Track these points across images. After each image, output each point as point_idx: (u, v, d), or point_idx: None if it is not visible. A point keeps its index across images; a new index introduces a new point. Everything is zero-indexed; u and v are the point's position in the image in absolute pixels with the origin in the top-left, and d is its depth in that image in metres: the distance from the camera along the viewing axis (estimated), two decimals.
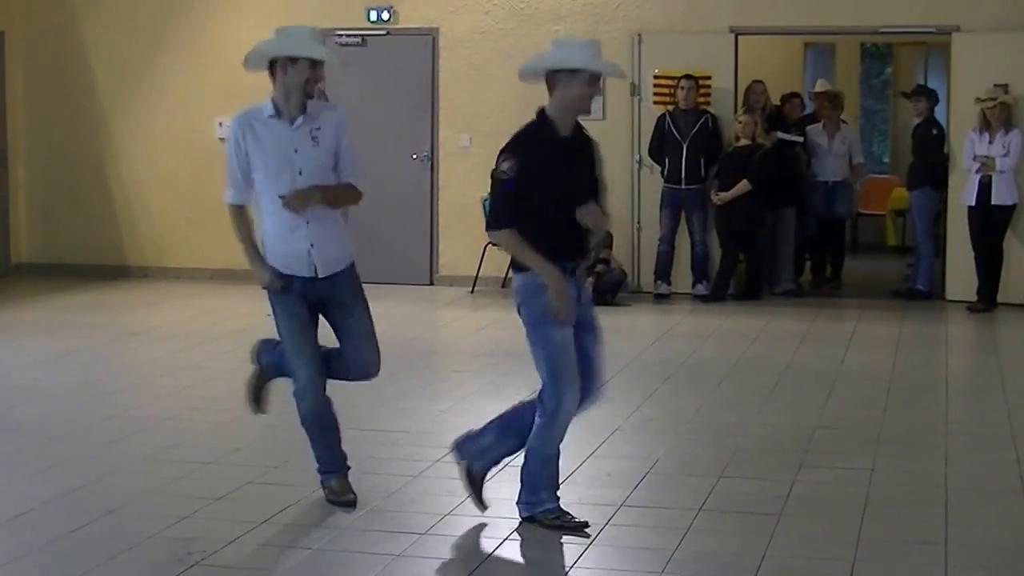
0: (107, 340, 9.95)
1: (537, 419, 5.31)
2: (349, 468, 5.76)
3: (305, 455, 5.81)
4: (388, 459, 6.41)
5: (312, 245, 5.51)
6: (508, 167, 5.16)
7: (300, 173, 5.46)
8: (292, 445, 6.61)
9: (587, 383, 5.32)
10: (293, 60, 5.41)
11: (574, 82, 5.18)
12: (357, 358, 5.69)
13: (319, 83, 5.53)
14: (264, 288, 5.62)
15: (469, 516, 5.55)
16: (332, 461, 5.71)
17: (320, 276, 5.55)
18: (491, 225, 5.29)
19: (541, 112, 5.26)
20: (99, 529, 5.34)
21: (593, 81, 5.19)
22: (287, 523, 5.45)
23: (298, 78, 5.42)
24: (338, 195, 5.59)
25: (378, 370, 5.80)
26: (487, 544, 5.18)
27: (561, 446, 5.42)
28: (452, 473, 6.19)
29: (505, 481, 6.08)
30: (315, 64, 5.44)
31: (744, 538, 5.29)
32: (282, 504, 5.63)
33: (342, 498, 5.64)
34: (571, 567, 4.96)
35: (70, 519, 5.43)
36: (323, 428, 5.66)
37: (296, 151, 5.46)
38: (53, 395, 7.96)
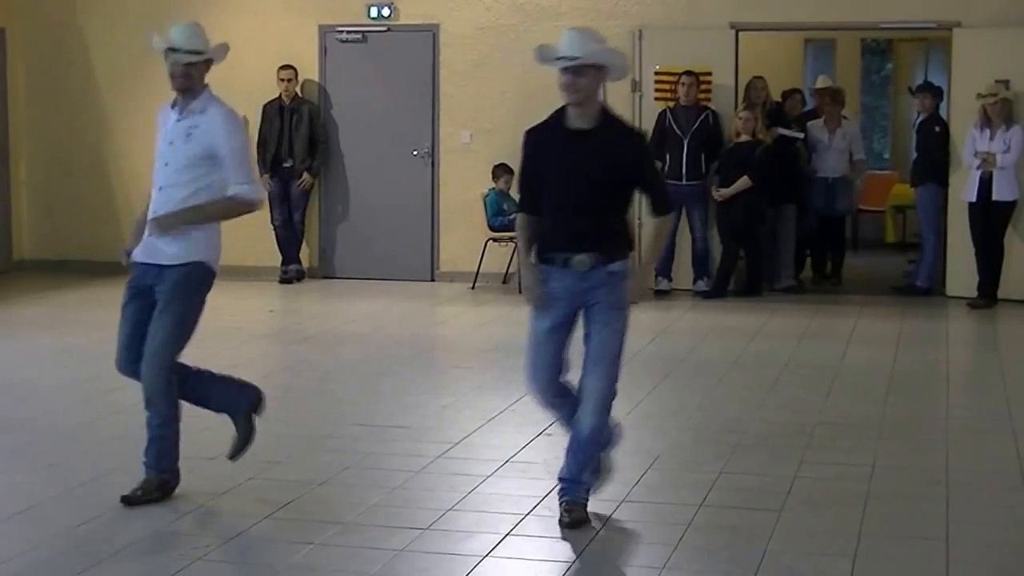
0: (108, 337, 9.86)
1: None
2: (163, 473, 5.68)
3: (307, 452, 5.81)
4: (389, 455, 6.42)
5: (150, 233, 5.58)
6: (521, 154, 5.32)
7: (166, 164, 5.54)
8: (293, 441, 6.63)
9: (583, 378, 5.28)
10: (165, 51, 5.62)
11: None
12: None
13: (180, 78, 5.58)
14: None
15: (471, 512, 5.56)
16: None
17: (140, 260, 5.60)
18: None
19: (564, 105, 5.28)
20: (101, 525, 5.35)
21: (565, 71, 5.15)
22: (288, 519, 5.46)
23: (170, 69, 5.59)
24: (208, 214, 5.56)
25: (148, 388, 5.64)
26: (489, 540, 5.19)
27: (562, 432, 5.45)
28: (453, 469, 6.21)
29: (505, 476, 6.10)
30: (191, 57, 5.59)
31: (745, 534, 5.30)
32: (283, 500, 5.64)
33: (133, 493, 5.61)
34: (572, 562, 4.97)
35: (72, 516, 5.44)
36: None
37: (171, 143, 5.55)
38: (54, 392, 7.97)
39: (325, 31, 12.67)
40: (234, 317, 10.53)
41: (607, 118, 5.25)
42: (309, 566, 4.94)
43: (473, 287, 12.39)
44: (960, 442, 6.81)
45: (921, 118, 12.16)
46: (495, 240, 12.31)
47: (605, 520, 5.43)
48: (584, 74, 5.13)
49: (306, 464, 5.94)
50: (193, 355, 9.07)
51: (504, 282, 12.55)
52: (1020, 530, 5.42)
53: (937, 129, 11.89)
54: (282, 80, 12.32)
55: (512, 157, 12.36)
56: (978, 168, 11.29)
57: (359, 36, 12.73)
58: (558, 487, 5.41)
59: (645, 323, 10.78)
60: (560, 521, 5.32)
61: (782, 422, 7.23)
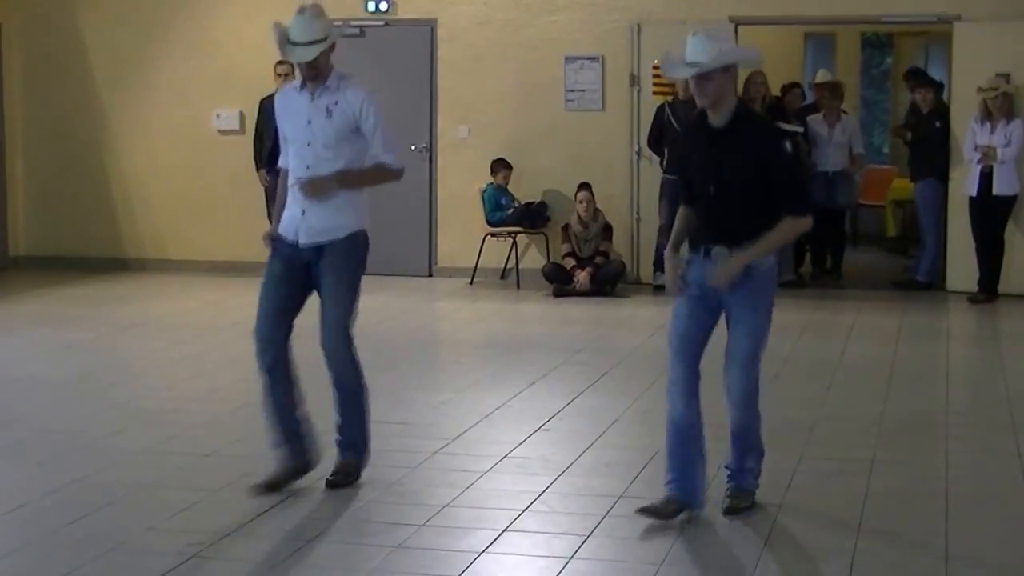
0: (106, 332, 9.94)
1: None
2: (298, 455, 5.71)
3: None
4: (387, 450, 6.38)
5: (303, 212, 5.62)
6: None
7: (308, 144, 5.61)
8: None
9: (725, 370, 5.37)
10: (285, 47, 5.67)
11: None
12: (321, 333, 5.68)
13: (307, 69, 5.62)
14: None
15: (468, 508, 5.54)
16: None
17: (300, 243, 5.61)
18: None
19: None
20: (98, 521, 5.33)
21: (693, 76, 5.18)
22: (286, 514, 5.43)
23: (314, 67, 5.64)
24: (360, 178, 5.69)
25: (333, 361, 5.67)
26: (486, 535, 5.17)
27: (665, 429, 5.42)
28: (451, 464, 6.19)
29: (503, 472, 6.07)
30: (310, 50, 5.61)
31: (744, 529, 5.27)
32: (281, 495, 5.61)
33: (333, 477, 5.70)
34: (570, 558, 4.95)
35: (69, 511, 5.42)
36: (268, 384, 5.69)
37: (309, 122, 5.61)
38: (51, 388, 7.94)
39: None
40: (232, 312, 10.51)
41: (742, 116, 5.29)
42: (305, 562, 4.92)
43: (471, 282, 12.36)
44: (960, 437, 6.79)
45: (924, 110, 12.07)
46: (493, 235, 12.28)
47: (603, 515, 5.40)
48: (711, 79, 5.15)
49: None
50: (193, 350, 9.10)
51: (502, 277, 12.52)
52: (1020, 526, 5.40)
53: (937, 124, 11.86)
54: (279, 75, 12.26)
55: (510, 151, 12.39)
56: (978, 162, 11.26)
57: (356, 30, 12.69)
58: (725, 474, 5.52)
59: (643, 318, 10.77)
60: (723, 509, 5.38)
61: (782, 417, 7.20)
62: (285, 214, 5.71)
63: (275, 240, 5.71)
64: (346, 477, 5.73)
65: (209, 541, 5.06)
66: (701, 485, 5.37)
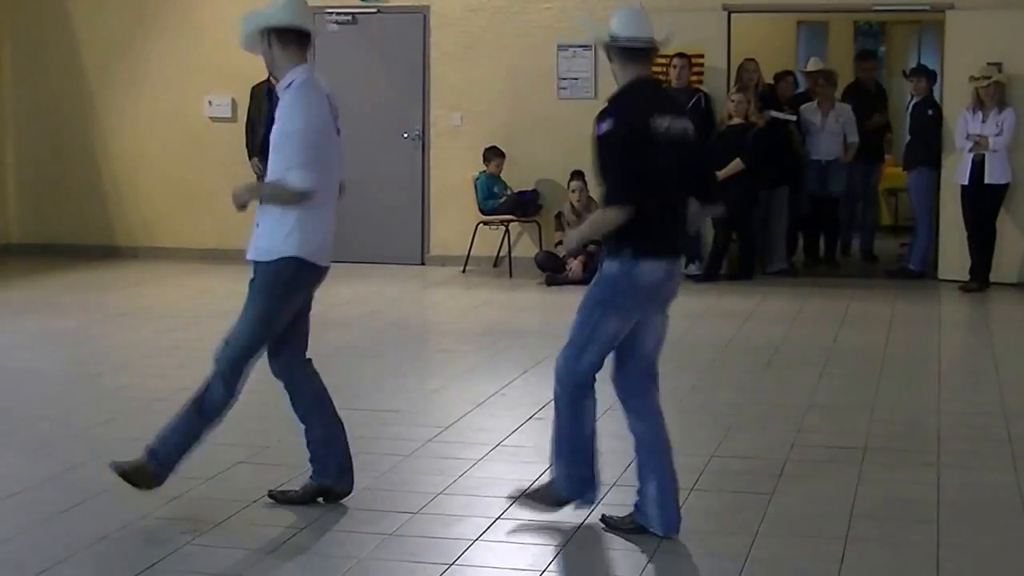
0: (97, 320, 9.92)
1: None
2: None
3: (296, 436, 5.78)
4: (379, 438, 6.38)
5: (257, 224, 5.27)
6: None
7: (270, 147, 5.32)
8: (284, 425, 6.59)
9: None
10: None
11: None
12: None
13: (266, 58, 5.31)
14: None
15: (460, 495, 5.54)
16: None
17: (248, 257, 5.29)
18: None
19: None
20: (90, 509, 5.32)
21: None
22: (276, 503, 5.42)
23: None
24: (260, 192, 5.29)
25: (214, 368, 5.33)
26: (479, 523, 5.17)
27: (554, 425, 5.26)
28: (444, 453, 6.19)
29: (495, 460, 6.07)
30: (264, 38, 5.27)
31: (737, 517, 5.28)
32: (273, 483, 5.59)
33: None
34: (564, 546, 4.95)
35: (61, 499, 5.41)
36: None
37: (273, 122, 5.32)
38: (43, 376, 7.92)
39: (315, 13, 12.55)
40: (225, 300, 10.48)
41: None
42: (299, 549, 4.92)
43: (464, 271, 12.35)
44: (951, 424, 6.80)
45: (914, 101, 12.14)
46: (486, 223, 12.27)
47: (596, 503, 5.40)
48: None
49: (295, 448, 5.89)
50: (184, 338, 9.08)
51: (495, 266, 12.51)
52: (1011, 511, 5.41)
53: (930, 112, 11.87)
54: None
55: (503, 139, 12.38)
56: (970, 151, 11.27)
57: (349, 18, 12.66)
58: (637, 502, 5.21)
59: None
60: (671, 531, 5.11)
61: (774, 405, 7.22)
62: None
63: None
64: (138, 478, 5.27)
65: (202, 529, 5.05)
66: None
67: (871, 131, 12.73)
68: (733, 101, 11.67)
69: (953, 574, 4.71)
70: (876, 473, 5.90)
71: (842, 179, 12.68)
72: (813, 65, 13.27)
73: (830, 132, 12.44)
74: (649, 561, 4.80)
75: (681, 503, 5.37)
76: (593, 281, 5.12)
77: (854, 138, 12.62)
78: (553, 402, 5.18)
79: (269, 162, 5.23)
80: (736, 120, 11.68)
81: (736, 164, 11.56)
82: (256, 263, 5.23)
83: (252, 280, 5.27)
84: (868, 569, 4.79)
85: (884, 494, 5.62)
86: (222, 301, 10.47)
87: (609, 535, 5.09)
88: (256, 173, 12.09)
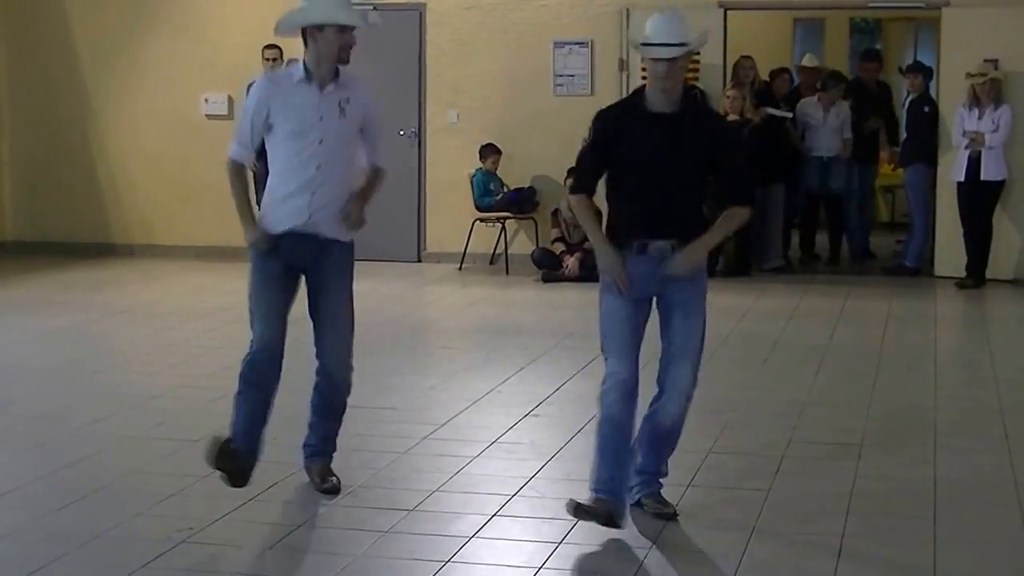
0: (93, 318, 9.91)
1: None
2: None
3: (293, 434, 5.78)
4: (376, 436, 6.38)
5: (309, 216, 5.36)
6: (591, 136, 5.23)
7: (320, 142, 5.33)
8: (280, 423, 6.58)
9: (669, 367, 5.10)
10: (320, 28, 5.28)
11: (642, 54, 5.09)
12: (322, 346, 5.46)
13: (350, 49, 5.36)
14: (250, 245, 5.44)
15: (457, 493, 5.53)
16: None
17: (320, 235, 5.34)
18: None
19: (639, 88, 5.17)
20: (86, 507, 5.31)
21: (660, 60, 4.97)
22: (274, 500, 5.43)
23: (327, 47, 5.30)
24: (371, 192, 5.58)
25: (344, 370, 5.47)
26: (476, 520, 5.17)
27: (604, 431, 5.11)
28: (440, 450, 6.18)
29: (492, 457, 6.07)
30: (344, 30, 5.29)
31: (733, 514, 5.28)
32: (269, 481, 5.60)
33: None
34: (560, 542, 4.95)
35: (57, 497, 5.40)
36: (259, 388, 5.46)
37: (321, 119, 5.32)
38: (39, 374, 7.91)
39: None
40: (222, 298, 10.48)
41: (691, 101, 5.11)
42: (295, 547, 4.92)
43: (460, 268, 12.34)
44: (948, 422, 6.80)
45: (911, 98, 12.15)
46: (482, 220, 12.27)
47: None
48: (678, 62, 4.96)
49: (292, 446, 5.90)
50: (180, 336, 9.07)
51: (491, 263, 12.51)
52: (1007, 506, 5.41)
53: (926, 109, 11.88)
54: (267, 59, 12.20)
55: (499, 136, 12.37)
56: (966, 148, 11.27)
57: None
58: (636, 481, 5.21)
59: None
60: (659, 514, 5.15)
61: (771, 402, 7.22)
62: (277, 211, 5.39)
63: (273, 241, 5.37)
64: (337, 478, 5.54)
65: (197, 528, 5.05)
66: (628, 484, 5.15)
67: (866, 132, 12.70)
68: (728, 97, 11.66)
69: (950, 567, 4.71)
70: (873, 469, 5.90)
71: (843, 176, 12.69)
72: (807, 61, 13.28)
73: (831, 128, 12.43)
74: (645, 557, 4.80)
75: (677, 500, 5.39)
76: (698, 282, 5.14)
77: (848, 135, 12.60)
78: (676, 432, 5.21)
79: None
80: (732, 117, 11.66)
81: None
82: (333, 242, 5.43)
83: (326, 262, 5.42)
84: (865, 563, 4.79)
85: (881, 489, 5.62)
86: (219, 299, 10.48)
87: (605, 532, 5.08)
88: (253, 170, 12.05)
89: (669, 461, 5.30)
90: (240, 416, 5.46)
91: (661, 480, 5.28)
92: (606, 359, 5.10)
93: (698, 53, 11.80)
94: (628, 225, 5.06)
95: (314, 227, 5.37)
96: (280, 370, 5.45)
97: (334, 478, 5.54)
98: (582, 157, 5.30)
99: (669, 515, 5.18)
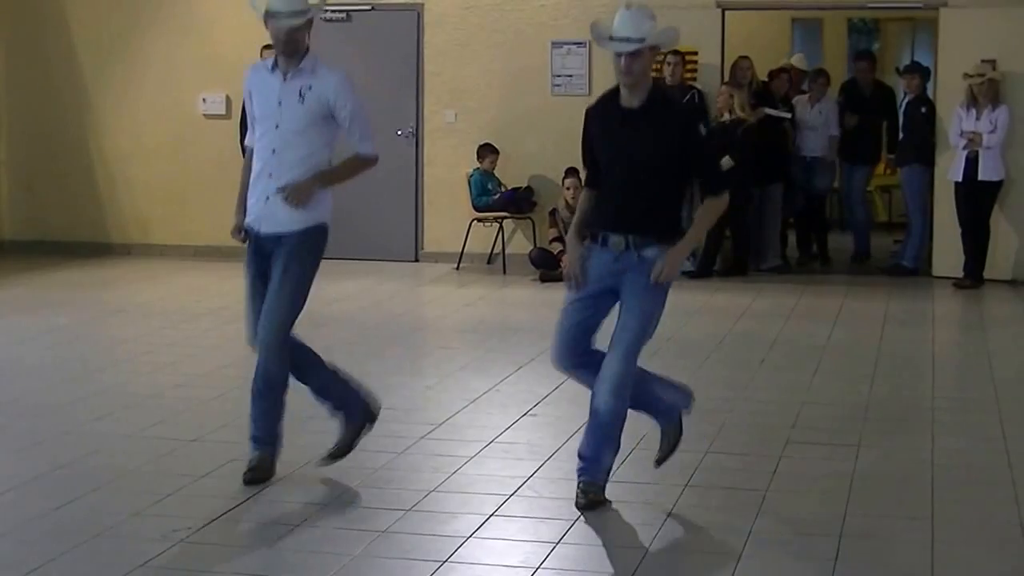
0: (90, 317, 9.90)
1: None
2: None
3: (291, 433, 5.78)
4: (373, 435, 6.35)
5: (267, 198, 5.49)
6: (583, 132, 5.38)
7: (276, 127, 5.47)
8: None
9: (607, 355, 5.20)
10: (265, 16, 5.51)
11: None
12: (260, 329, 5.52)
13: (284, 43, 5.49)
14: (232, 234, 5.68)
15: (454, 493, 5.53)
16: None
17: (261, 232, 5.50)
18: None
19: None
20: (83, 507, 5.31)
21: (620, 54, 5.09)
22: (271, 500, 5.42)
23: (274, 33, 5.49)
24: (339, 175, 5.60)
25: (264, 351, 5.49)
26: (473, 520, 5.16)
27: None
28: (437, 449, 6.18)
29: (489, 457, 6.07)
30: (272, 17, 5.45)
31: (730, 514, 5.28)
32: (265, 481, 5.59)
33: (249, 473, 5.55)
34: (557, 542, 4.95)
35: (54, 497, 5.40)
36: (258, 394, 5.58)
37: (279, 104, 5.48)
38: (36, 372, 7.91)
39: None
40: (219, 297, 10.48)
41: (658, 97, 5.19)
42: (292, 547, 4.91)
43: (458, 267, 12.34)
44: (946, 423, 6.80)
45: (908, 98, 12.15)
46: (480, 220, 12.27)
47: None
48: (640, 56, 5.06)
49: (288, 445, 5.90)
50: (178, 335, 9.06)
51: (489, 263, 12.51)
52: (1006, 510, 5.40)
53: (923, 109, 11.88)
54: (266, 59, 12.23)
55: (497, 136, 12.36)
56: (964, 148, 11.27)
57: (343, 15, 12.65)
58: (577, 466, 5.30)
59: None
60: (576, 503, 5.22)
61: (768, 402, 7.22)
62: (250, 200, 5.56)
63: (246, 233, 5.56)
64: (264, 472, 5.56)
65: (195, 527, 5.05)
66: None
67: (848, 129, 12.62)
68: (720, 95, 11.68)
69: (948, 567, 4.70)
70: (870, 469, 5.90)
71: (828, 175, 12.69)
72: (798, 62, 13.32)
73: (812, 128, 12.45)
74: (643, 558, 4.80)
75: (675, 500, 5.39)
76: (639, 276, 5.19)
77: (834, 132, 12.59)
78: (612, 423, 5.25)
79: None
80: (726, 116, 11.65)
81: (725, 161, 11.52)
82: (284, 234, 5.48)
83: (278, 252, 5.48)
84: (863, 565, 4.79)
85: (878, 489, 5.62)
86: (216, 298, 10.48)
87: (602, 532, 5.08)
88: None
89: (613, 457, 5.29)
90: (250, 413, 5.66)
91: (605, 471, 5.26)
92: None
93: (697, 53, 11.95)
94: (595, 218, 5.24)
95: (263, 222, 5.49)
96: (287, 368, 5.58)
97: (259, 471, 5.54)
98: (583, 153, 5.47)
99: (579, 504, 5.21)
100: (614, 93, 5.22)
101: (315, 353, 5.71)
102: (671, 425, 5.57)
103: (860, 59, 13.27)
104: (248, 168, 5.65)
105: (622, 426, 5.28)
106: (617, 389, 5.16)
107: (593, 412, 5.23)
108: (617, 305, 5.25)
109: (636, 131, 5.10)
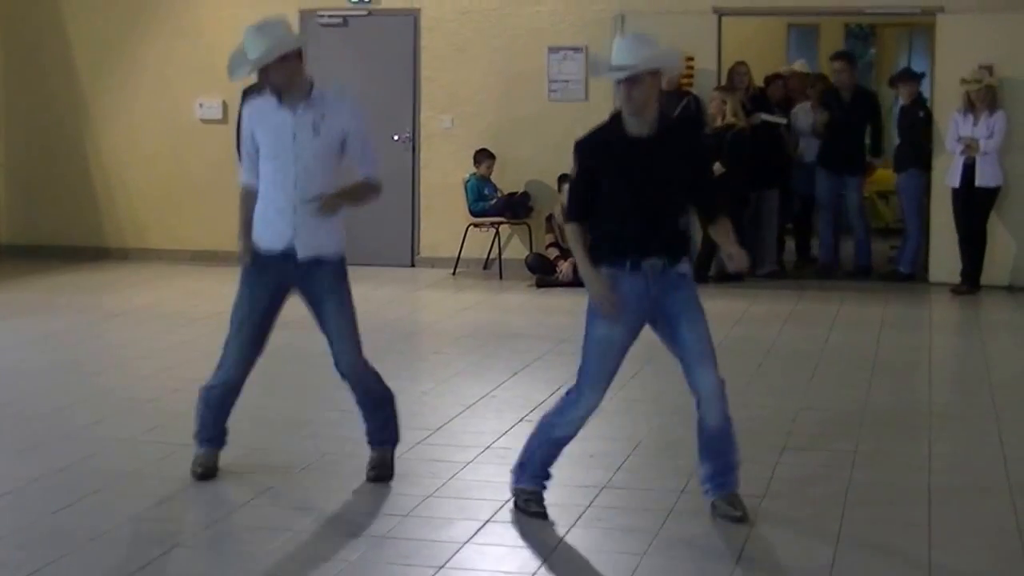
0: (87, 322, 9.90)
1: (563, 396, 5.27)
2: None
3: (287, 438, 5.78)
4: None
5: (295, 230, 5.47)
6: (576, 166, 5.26)
7: (295, 161, 5.44)
8: (273, 428, 6.59)
9: (694, 374, 5.16)
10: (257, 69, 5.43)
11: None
12: (334, 355, 5.66)
13: (300, 71, 5.46)
14: (241, 264, 5.63)
15: (451, 498, 5.53)
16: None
17: (300, 257, 5.48)
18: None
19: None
20: (79, 510, 5.30)
21: (619, 82, 5.06)
22: (267, 505, 5.42)
23: (279, 78, 5.43)
24: (356, 196, 5.61)
25: (354, 375, 5.70)
26: (469, 526, 5.16)
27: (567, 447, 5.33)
28: (434, 455, 6.18)
29: (486, 462, 6.07)
30: (286, 58, 5.38)
31: (727, 519, 5.27)
32: (263, 486, 5.60)
33: (196, 467, 5.67)
34: (554, 548, 4.94)
35: (50, 500, 5.40)
36: (212, 403, 5.73)
37: (295, 138, 5.44)
38: (33, 376, 7.90)
39: (306, 15, 12.59)
40: (216, 301, 10.46)
41: (666, 123, 5.20)
42: (288, 553, 4.91)
43: (454, 273, 12.35)
44: (942, 428, 6.81)
45: (902, 103, 12.16)
46: (476, 226, 12.27)
47: (586, 506, 5.40)
48: (640, 83, 4.99)
49: (286, 450, 5.91)
50: (175, 339, 9.06)
51: (485, 268, 12.51)
52: (1002, 515, 5.41)
53: (920, 114, 11.89)
54: None
55: (493, 142, 12.37)
56: (961, 154, 11.28)
57: (340, 20, 12.66)
58: (707, 486, 5.25)
59: None
60: (740, 518, 5.16)
61: (765, 408, 7.22)
62: (264, 232, 5.51)
63: (260, 259, 5.53)
64: (387, 470, 5.74)
65: (191, 531, 5.04)
66: None
67: (819, 130, 12.49)
68: (712, 100, 11.68)
69: (946, 569, 4.71)
70: (867, 473, 5.90)
71: (824, 183, 12.67)
72: (801, 68, 13.32)
73: (809, 133, 12.45)
74: (640, 563, 4.80)
75: (671, 506, 5.40)
76: (688, 291, 5.18)
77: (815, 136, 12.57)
78: (729, 429, 5.25)
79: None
80: (719, 122, 11.65)
81: (716, 168, 11.49)
82: (322, 260, 5.52)
83: (317, 280, 5.54)
84: (862, 566, 4.79)
85: (876, 494, 5.62)
86: (212, 303, 10.46)
87: (599, 537, 5.09)
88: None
89: (612, 467, 5.44)
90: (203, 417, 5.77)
91: (732, 482, 5.25)
92: (583, 384, 5.17)
93: (693, 59, 11.95)
94: (619, 245, 5.10)
95: (300, 246, 5.48)
96: (237, 396, 5.75)
97: (375, 471, 5.70)
98: (573, 187, 5.35)
99: (736, 518, 5.17)
100: (613, 122, 5.14)
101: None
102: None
103: (836, 59, 12.69)
104: (251, 201, 5.57)
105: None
106: (725, 399, 5.19)
107: (713, 430, 5.17)
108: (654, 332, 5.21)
109: (657, 157, 5.05)
